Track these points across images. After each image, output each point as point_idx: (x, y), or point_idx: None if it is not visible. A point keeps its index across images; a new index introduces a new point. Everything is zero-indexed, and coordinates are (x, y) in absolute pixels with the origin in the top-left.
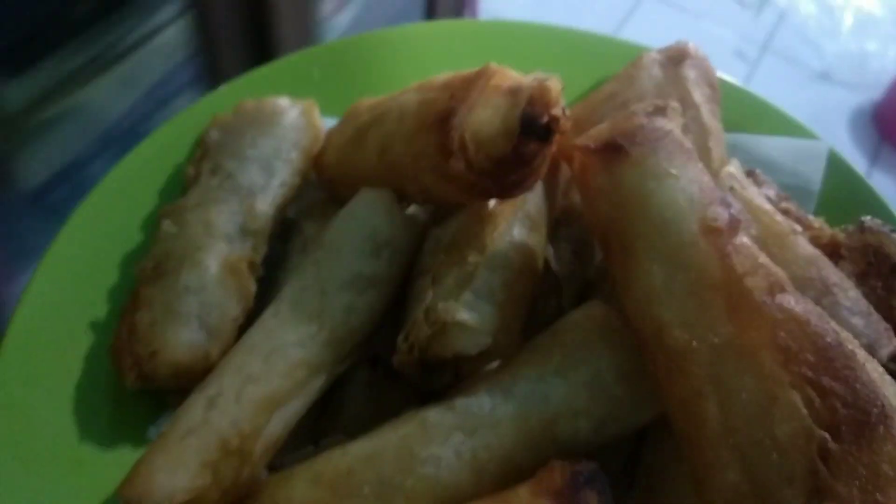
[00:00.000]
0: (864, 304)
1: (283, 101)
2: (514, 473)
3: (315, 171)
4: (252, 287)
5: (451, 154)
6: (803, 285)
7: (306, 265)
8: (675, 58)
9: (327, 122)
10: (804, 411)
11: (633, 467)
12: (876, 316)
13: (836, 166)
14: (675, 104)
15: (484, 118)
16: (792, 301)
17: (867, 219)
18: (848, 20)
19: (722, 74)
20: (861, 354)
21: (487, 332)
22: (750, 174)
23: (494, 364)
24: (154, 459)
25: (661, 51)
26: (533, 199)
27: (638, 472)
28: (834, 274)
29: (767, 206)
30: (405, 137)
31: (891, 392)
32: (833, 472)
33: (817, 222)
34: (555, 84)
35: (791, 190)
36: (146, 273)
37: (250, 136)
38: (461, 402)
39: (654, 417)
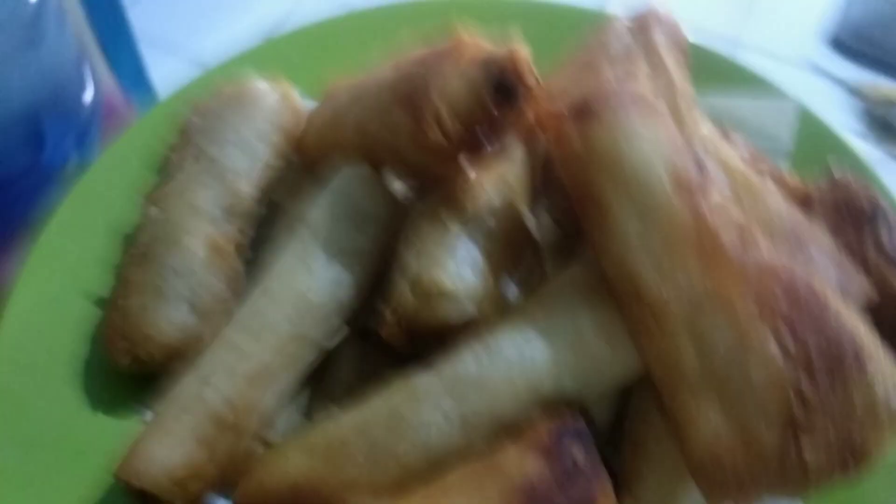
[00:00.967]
0: (837, 255)
1: (262, 85)
2: (502, 433)
3: (296, 152)
4: (239, 268)
5: (428, 125)
6: (777, 239)
7: (292, 243)
8: (645, 24)
9: (307, 105)
10: (779, 357)
11: (620, 423)
12: (850, 266)
13: (808, 123)
14: (645, 69)
15: (457, 88)
16: (764, 253)
17: (837, 171)
18: None
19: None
20: (834, 300)
21: (471, 299)
22: (723, 135)
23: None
24: (150, 438)
25: (629, 17)
26: (512, 169)
27: (624, 427)
28: (806, 227)
29: (740, 164)
30: (382, 113)
31: (865, 335)
32: (809, 411)
33: (792, 178)
34: (523, 52)
35: (765, 151)
36: (134, 259)
37: (231, 121)
38: (448, 368)
39: (636, 373)
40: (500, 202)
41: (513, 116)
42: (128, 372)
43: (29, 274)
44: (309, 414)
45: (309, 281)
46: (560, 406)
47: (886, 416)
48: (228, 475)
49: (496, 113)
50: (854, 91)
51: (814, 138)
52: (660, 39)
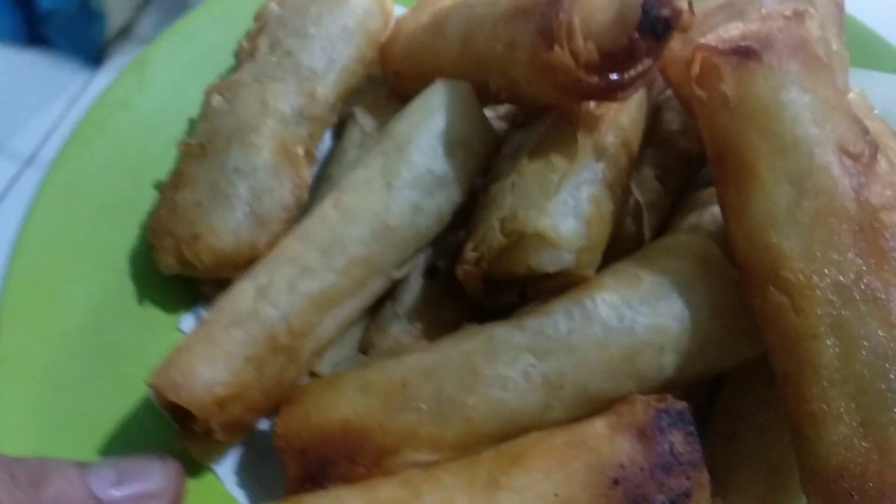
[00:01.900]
0: None
1: None
2: (586, 405)
3: (381, 61)
4: (308, 176)
5: (555, 42)
6: None
7: (372, 156)
8: None
9: (397, 10)
10: None
11: (706, 411)
12: None
13: None
14: (814, 11)
15: (598, 3)
16: None
17: None
18: None
19: None
20: None
21: (571, 248)
22: (871, 109)
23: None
24: (194, 348)
25: None
26: (628, 111)
27: (713, 416)
28: None
29: (891, 141)
30: (497, 23)
31: None
32: None
33: None
34: None
35: None
36: (192, 150)
37: (315, 13)
38: (534, 322)
39: (746, 359)
40: (613, 145)
41: (656, 51)
42: (171, 272)
43: (69, 153)
44: (364, 350)
45: (388, 201)
46: (656, 383)
47: None
48: (273, 403)
49: (641, 43)
50: None
51: None
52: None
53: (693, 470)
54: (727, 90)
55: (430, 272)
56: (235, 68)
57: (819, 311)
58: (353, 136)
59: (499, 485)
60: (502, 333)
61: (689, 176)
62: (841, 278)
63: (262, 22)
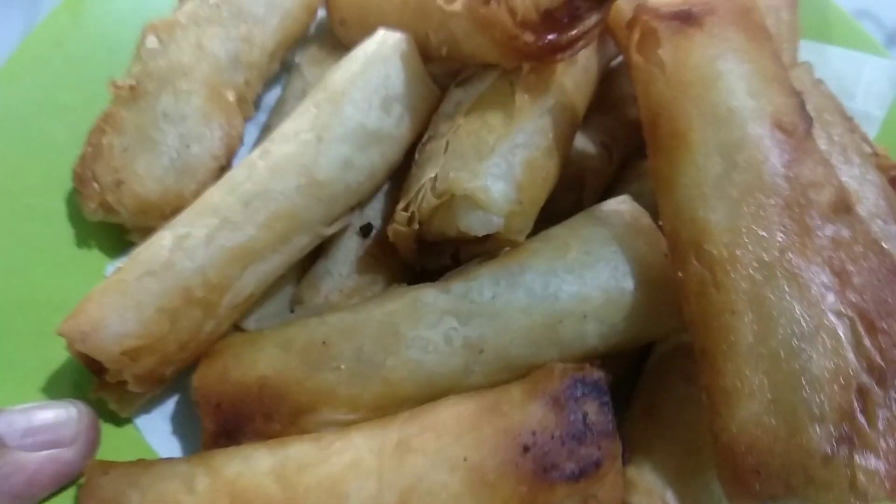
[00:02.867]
0: None
1: None
2: (504, 371)
3: (327, 7)
4: (240, 126)
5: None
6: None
7: (305, 107)
8: None
9: None
10: (849, 347)
11: (630, 382)
12: None
13: None
14: None
15: None
16: (857, 224)
17: None
18: None
19: None
20: None
21: (500, 211)
22: (817, 84)
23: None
24: (104, 298)
25: None
26: (572, 74)
27: (636, 387)
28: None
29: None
30: None
31: None
32: (870, 419)
33: (881, 148)
34: None
35: (856, 110)
36: (122, 93)
37: None
38: (459, 286)
39: (669, 332)
40: (553, 109)
41: (599, 11)
42: (94, 219)
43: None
44: (292, 308)
45: (317, 154)
46: (578, 352)
47: None
48: (191, 356)
49: (581, 2)
50: None
51: None
52: None
53: (604, 440)
54: (664, 56)
55: (365, 230)
56: (176, 8)
57: (739, 287)
58: (295, 86)
59: (409, 447)
60: (426, 296)
61: (638, 144)
62: (764, 255)
63: None
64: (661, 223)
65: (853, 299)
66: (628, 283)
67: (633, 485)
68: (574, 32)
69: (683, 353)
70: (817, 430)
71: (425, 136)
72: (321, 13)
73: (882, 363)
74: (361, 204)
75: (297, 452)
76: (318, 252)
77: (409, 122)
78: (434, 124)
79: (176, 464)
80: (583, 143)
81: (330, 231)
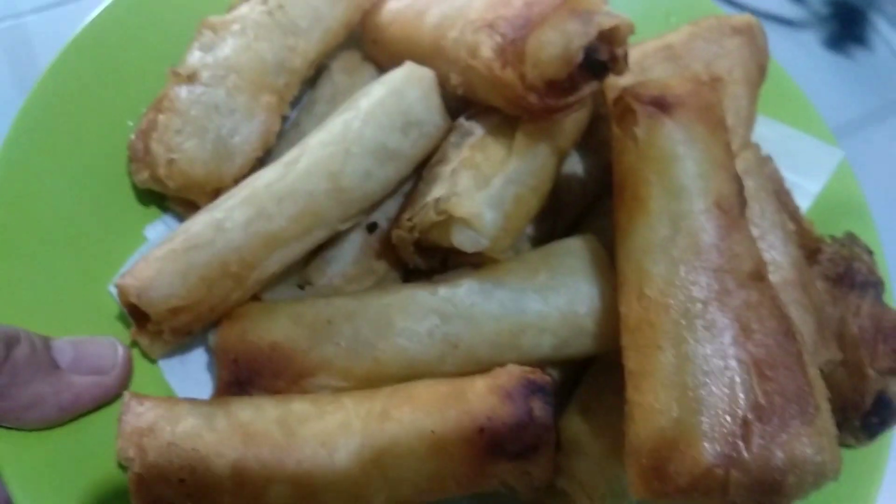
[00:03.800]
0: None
1: None
2: (473, 365)
3: (363, 27)
4: (277, 123)
5: (507, 63)
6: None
7: (336, 123)
8: (740, 30)
9: None
10: (742, 387)
11: (571, 387)
12: (827, 331)
13: (842, 177)
14: (725, 78)
15: (550, 38)
16: (767, 291)
17: (855, 237)
18: None
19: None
20: (806, 355)
21: (488, 235)
22: (763, 162)
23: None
24: (157, 263)
25: (729, 19)
26: (565, 122)
27: (576, 391)
28: (808, 274)
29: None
30: (466, 28)
31: (820, 394)
32: (747, 445)
33: (807, 222)
34: (626, 25)
35: (794, 185)
36: (180, 79)
37: None
38: (445, 291)
39: (607, 350)
40: (545, 155)
41: (593, 85)
42: (142, 186)
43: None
44: (301, 285)
45: (344, 165)
46: (533, 358)
47: (811, 470)
48: (216, 317)
49: (580, 77)
50: None
51: (841, 194)
52: (745, 52)
53: (543, 431)
54: (638, 133)
55: (371, 227)
56: (230, 8)
57: (667, 328)
58: (324, 90)
59: (389, 416)
60: (417, 295)
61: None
62: (689, 306)
63: None
64: None
65: (752, 350)
66: (582, 308)
67: (561, 469)
68: (571, 98)
69: (616, 370)
70: (706, 446)
71: (434, 159)
72: None
73: (764, 403)
74: (372, 208)
75: (299, 408)
76: (328, 241)
77: (423, 146)
78: (443, 150)
79: (199, 404)
80: (564, 179)
81: (344, 227)
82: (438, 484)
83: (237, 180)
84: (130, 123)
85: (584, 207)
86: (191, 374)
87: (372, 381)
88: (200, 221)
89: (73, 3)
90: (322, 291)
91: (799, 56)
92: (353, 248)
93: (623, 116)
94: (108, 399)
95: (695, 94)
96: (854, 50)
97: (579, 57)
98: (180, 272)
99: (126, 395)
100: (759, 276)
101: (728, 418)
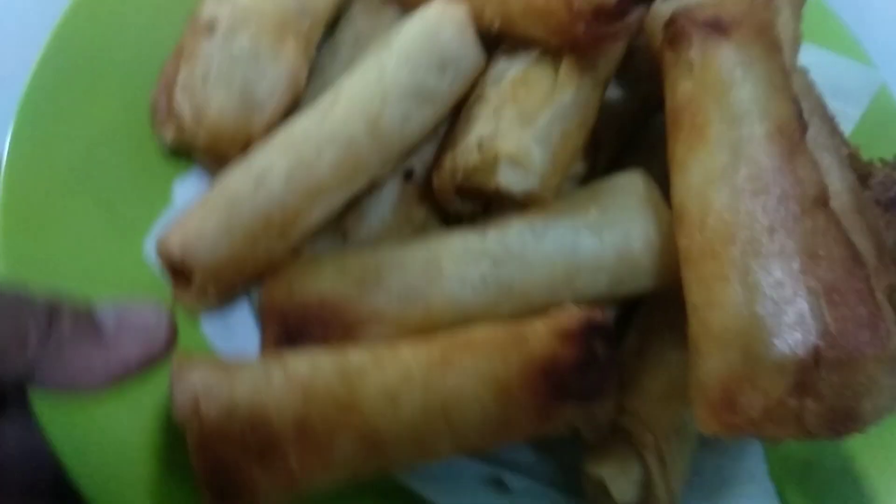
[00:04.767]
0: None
1: None
2: (527, 308)
3: None
4: (304, 68)
5: None
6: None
7: (369, 66)
8: None
9: None
10: (813, 316)
11: (621, 327)
12: (884, 247)
13: (882, 101)
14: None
15: None
16: (831, 216)
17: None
18: None
19: None
20: (873, 280)
21: (537, 173)
22: (810, 89)
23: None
24: (198, 220)
25: None
26: (606, 56)
27: (629, 331)
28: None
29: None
30: None
31: (890, 318)
32: (820, 374)
33: (854, 147)
34: None
35: (835, 110)
36: (200, 28)
37: None
38: (495, 234)
39: (666, 289)
40: (589, 88)
41: (639, 12)
42: (168, 143)
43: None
44: (341, 235)
45: (382, 108)
46: (585, 299)
47: (888, 394)
48: (261, 273)
49: (626, 4)
50: None
51: (882, 118)
52: None
53: (607, 372)
54: (693, 57)
55: (408, 174)
56: None
57: (732, 258)
58: (347, 34)
59: (450, 363)
60: (467, 240)
61: (645, 117)
62: (754, 234)
63: None
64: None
65: (821, 276)
66: (637, 244)
67: (623, 408)
68: (619, 25)
69: (671, 306)
70: (778, 377)
71: (471, 98)
72: None
73: (835, 331)
74: (409, 153)
75: (356, 359)
76: (364, 192)
77: (460, 84)
78: (480, 87)
79: (252, 362)
80: (601, 115)
81: (384, 173)
82: (504, 428)
83: (268, 130)
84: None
85: (622, 144)
86: (234, 333)
87: (425, 330)
88: (238, 175)
89: None
90: (363, 243)
91: None
92: (390, 196)
93: (675, 41)
94: (154, 361)
95: (750, 13)
96: None
97: None
98: (223, 228)
99: (175, 357)
100: (823, 201)
101: (801, 347)
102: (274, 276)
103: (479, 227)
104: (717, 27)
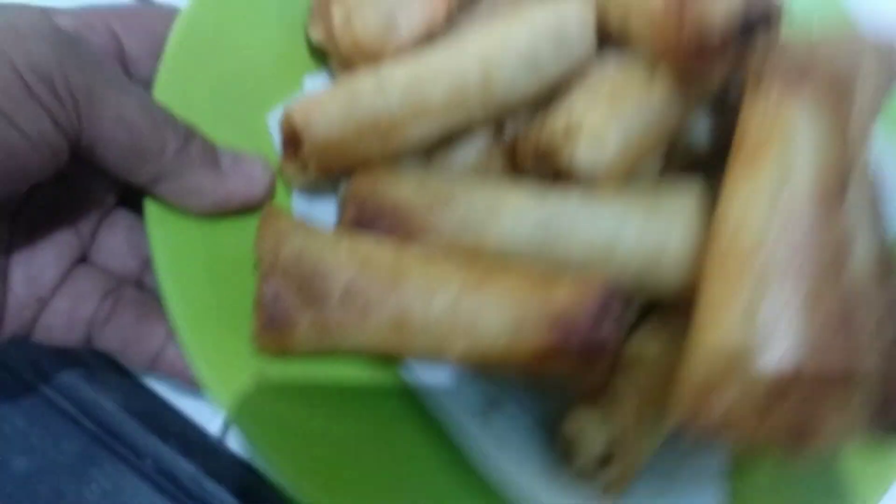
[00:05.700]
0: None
1: None
2: (561, 269)
3: None
4: (443, 13)
5: (672, 18)
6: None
7: (498, 24)
8: (883, 58)
9: None
10: (794, 336)
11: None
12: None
13: None
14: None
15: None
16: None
17: None
18: None
19: None
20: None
21: (610, 153)
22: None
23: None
24: (323, 103)
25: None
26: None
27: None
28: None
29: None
30: None
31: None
32: (797, 386)
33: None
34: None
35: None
36: None
37: None
38: (555, 198)
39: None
40: (682, 103)
41: (741, 56)
42: (314, 41)
43: None
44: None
45: (500, 64)
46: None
47: (852, 418)
48: (351, 167)
49: (732, 48)
50: None
51: None
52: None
53: (608, 347)
54: (771, 97)
55: (499, 130)
56: None
57: (743, 288)
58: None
59: (481, 287)
60: (529, 198)
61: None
62: (769, 277)
63: None
64: None
65: (818, 318)
66: (672, 245)
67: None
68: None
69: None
70: (753, 384)
71: (572, 82)
72: None
73: (816, 349)
74: (502, 118)
75: (412, 252)
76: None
77: (566, 66)
78: (582, 76)
79: (329, 229)
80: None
81: (481, 121)
82: (509, 355)
83: (398, 54)
84: None
85: (685, 170)
86: (316, 214)
87: (472, 259)
88: (364, 79)
89: None
90: (443, 172)
91: None
92: (478, 144)
93: (756, 84)
94: (252, 205)
95: (834, 72)
96: None
97: (739, 27)
98: (341, 115)
99: (268, 205)
100: (841, 263)
101: (782, 361)
102: (363, 172)
103: (543, 192)
104: (802, 78)
